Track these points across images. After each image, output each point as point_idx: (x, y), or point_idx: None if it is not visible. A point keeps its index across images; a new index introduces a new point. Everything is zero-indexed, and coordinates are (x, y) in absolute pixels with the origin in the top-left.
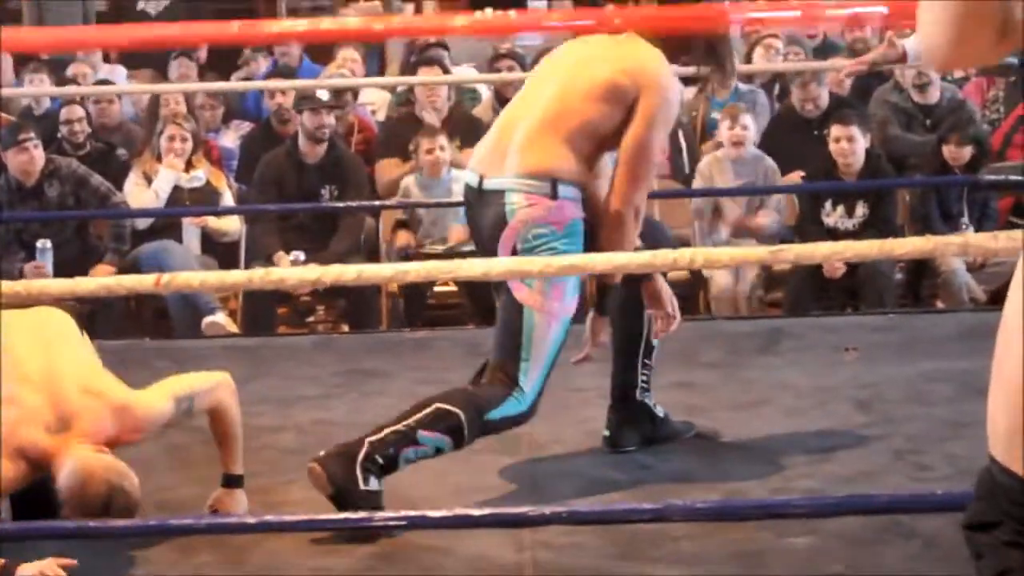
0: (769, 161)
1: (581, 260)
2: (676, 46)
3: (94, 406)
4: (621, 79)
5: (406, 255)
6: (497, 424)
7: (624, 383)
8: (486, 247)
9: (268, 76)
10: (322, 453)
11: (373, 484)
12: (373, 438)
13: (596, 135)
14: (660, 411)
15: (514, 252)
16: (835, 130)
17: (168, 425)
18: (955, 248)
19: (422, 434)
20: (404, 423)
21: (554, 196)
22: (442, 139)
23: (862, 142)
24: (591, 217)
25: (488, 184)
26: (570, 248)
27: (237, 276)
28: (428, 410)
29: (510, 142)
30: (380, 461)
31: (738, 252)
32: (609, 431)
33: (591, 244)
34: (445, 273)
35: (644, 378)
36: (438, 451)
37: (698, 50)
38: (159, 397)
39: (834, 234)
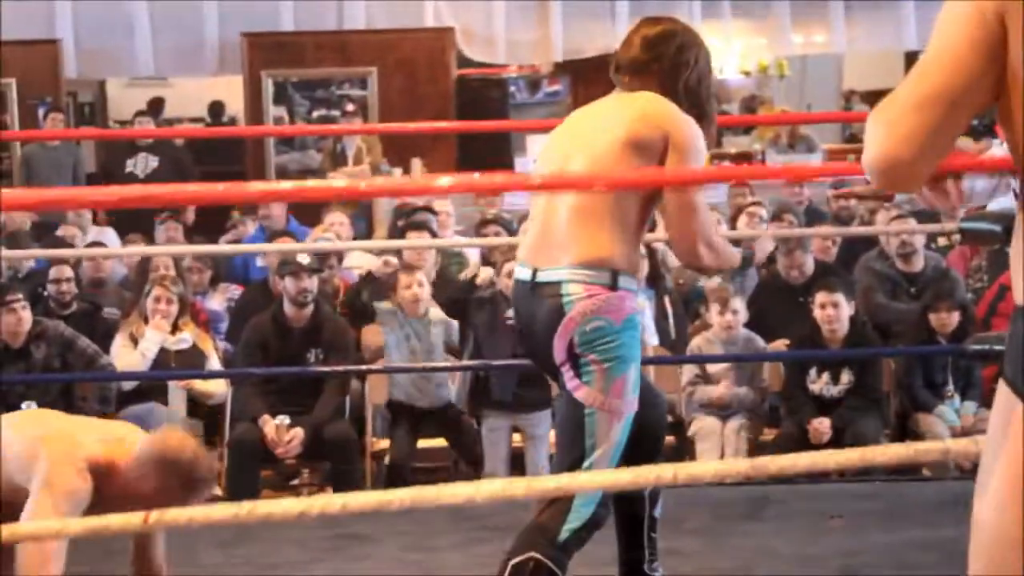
0: (760, 342)
1: (565, 481)
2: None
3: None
4: (644, 130)
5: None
6: (575, 538)
7: (632, 559)
8: (539, 341)
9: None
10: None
11: None
12: None
13: (640, 196)
14: None
15: (571, 345)
16: (820, 296)
17: None
18: (936, 454)
19: None
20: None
21: (614, 287)
22: (420, 276)
23: (847, 309)
24: None
25: (542, 276)
26: (628, 342)
27: (224, 511)
28: (507, 572)
29: (557, 229)
30: None
31: (719, 467)
32: None
33: None
34: (430, 499)
35: (651, 551)
36: None
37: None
38: None
39: (820, 401)
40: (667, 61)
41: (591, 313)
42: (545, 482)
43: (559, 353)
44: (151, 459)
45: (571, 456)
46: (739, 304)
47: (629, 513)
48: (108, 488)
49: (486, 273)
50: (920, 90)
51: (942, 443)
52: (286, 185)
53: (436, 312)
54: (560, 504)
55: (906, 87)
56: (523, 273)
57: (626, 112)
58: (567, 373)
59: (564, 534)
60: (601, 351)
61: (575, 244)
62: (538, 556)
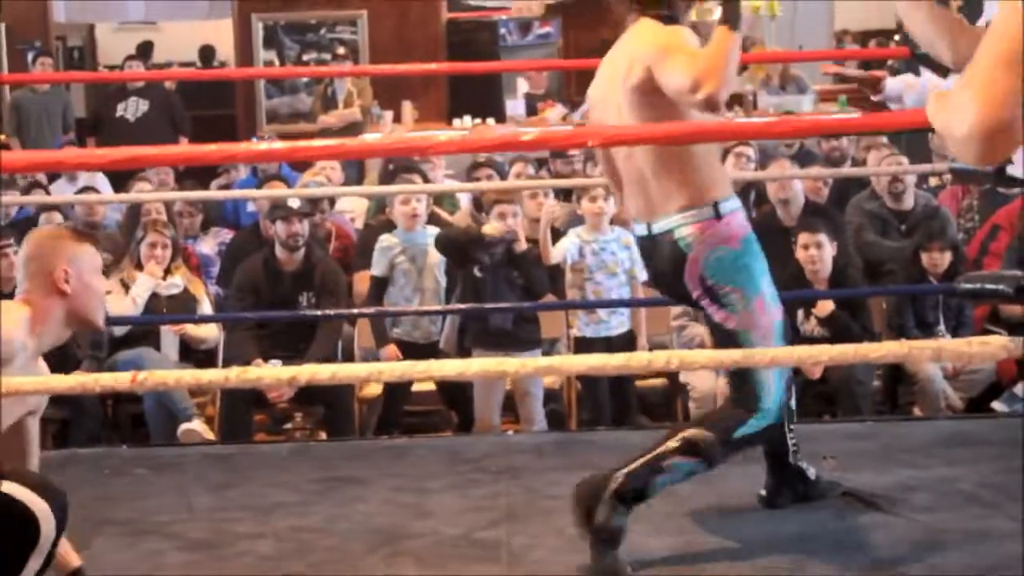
0: None
1: (557, 362)
2: None
3: None
4: (635, 81)
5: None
6: (747, 440)
7: (776, 452)
8: (674, 285)
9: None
10: (577, 487)
11: (619, 522)
12: (621, 471)
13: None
14: (811, 473)
15: (702, 280)
16: (803, 238)
17: None
18: (929, 353)
19: (674, 461)
20: (650, 455)
21: (719, 216)
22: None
23: (830, 249)
24: None
25: (656, 228)
26: (752, 261)
27: (213, 375)
28: (676, 439)
29: (648, 182)
30: (632, 493)
31: (713, 354)
32: (766, 491)
33: None
34: (420, 373)
35: (793, 442)
36: (690, 474)
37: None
38: None
39: (810, 343)
40: None
41: (709, 247)
42: (536, 362)
43: (695, 291)
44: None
45: (741, 382)
46: None
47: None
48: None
49: (498, 227)
50: (1005, 48)
51: (935, 342)
52: (277, 145)
53: (435, 229)
54: (747, 411)
55: (987, 50)
56: (640, 229)
57: (621, 65)
58: (710, 308)
59: (741, 432)
60: (731, 278)
61: (672, 191)
62: (712, 438)
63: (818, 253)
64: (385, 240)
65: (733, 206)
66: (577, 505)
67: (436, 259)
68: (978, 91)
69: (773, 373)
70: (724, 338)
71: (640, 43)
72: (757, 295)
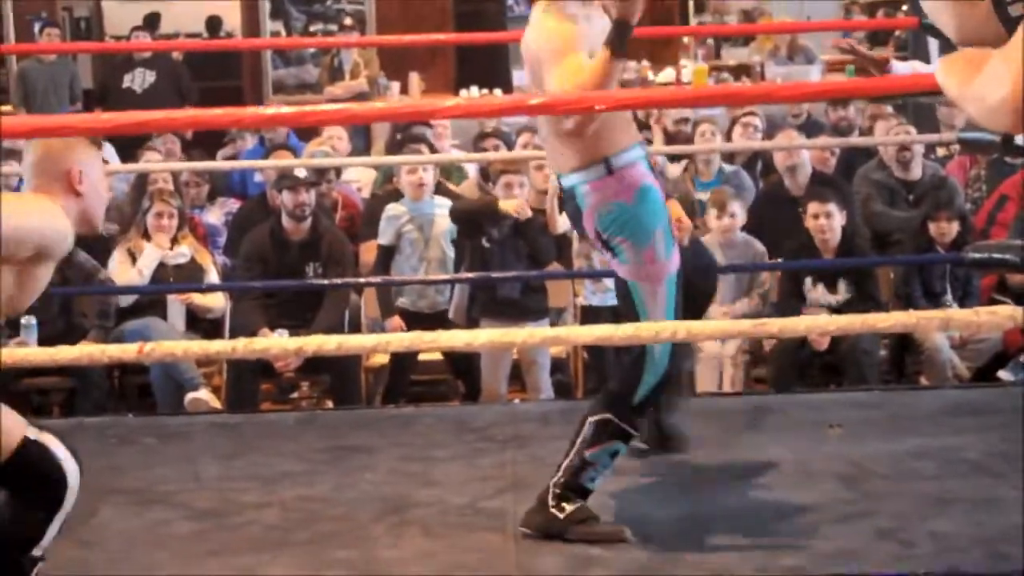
0: (758, 245)
1: (564, 332)
2: None
3: None
4: (533, 64)
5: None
6: (647, 400)
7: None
8: (583, 236)
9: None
10: (523, 517)
11: (571, 506)
12: (554, 480)
13: None
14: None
15: (598, 235)
16: (812, 207)
17: None
18: (937, 323)
19: (591, 453)
20: (572, 453)
21: (610, 171)
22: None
23: (839, 218)
24: None
25: (564, 183)
26: (645, 213)
27: (220, 345)
28: (584, 429)
29: (552, 138)
30: (570, 495)
31: (721, 325)
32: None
33: None
34: (428, 343)
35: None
36: (614, 454)
37: None
38: None
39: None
40: None
41: (602, 202)
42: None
43: (596, 243)
44: None
45: None
46: (737, 207)
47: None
48: None
49: (514, 204)
50: None
51: (943, 312)
52: (284, 110)
53: (442, 200)
54: (636, 365)
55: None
56: (553, 179)
57: (531, 53)
58: (607, 256)
59: (639, 395)
60: (622, 230)
61: (569, 150)
62: (613, 418)
63: (827, 223)
64: (392, 209)
65: (628, 159)
66: (533, 529)
67: (443, 229)
68: (1016, 61)
69: (664, 318)
70: (619, 287)
71: (538, 40)
72: (647, 245)
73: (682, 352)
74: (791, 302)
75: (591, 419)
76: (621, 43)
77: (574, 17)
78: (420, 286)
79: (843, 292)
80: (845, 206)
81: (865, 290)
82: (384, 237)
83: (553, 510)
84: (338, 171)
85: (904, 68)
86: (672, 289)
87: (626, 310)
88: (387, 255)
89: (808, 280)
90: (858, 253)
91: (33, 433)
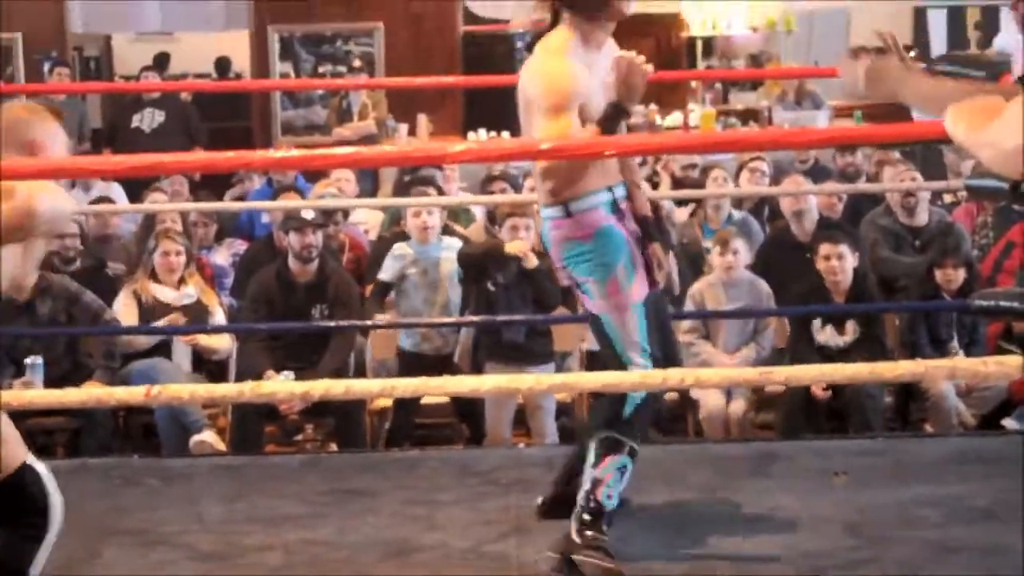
0: (763, 284)
1: (571, 379)
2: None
3: None
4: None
5: None
6: (637, 414)
7: (571, 466)
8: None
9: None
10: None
11: (591, 533)
12: (576, 509)
13: None
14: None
15: (564, 271)
16: (824, 248)
17: None
18: (944, 372)
19: (600, 470)
20: (582, 477)
21: (568, 215)
22: (433, 211)
23: (851, 260)
24: None
25: (542, 214)
26: (604, 249)
27: (226, 389)
28: (587, 452)
29: (535, 173)
30: (590, 520)
31: (728, 372)
32: (541, 502)
33: None
34: (434, 388)
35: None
36: (623, 468)
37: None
38: None
39: (824, 352)
40: None
41: (562, 242)
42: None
43: (564, 279)
44: None
45: (610, 358)
46: (740, 245)
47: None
48: None
49: (520, 246)
50: None
51: (950, 361)
52: (293, 153)
53: (449, 241)
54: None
55: None
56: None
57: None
58: (578, 294)
59: (628, 409)
60: (584, 267)
61: (541, 187)
62: (611, 433)
63: (839, 264)
64: (399, 249)
65: (589, 203)
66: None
67: (448, 271)
68: None
69: (638, 348)
70: (594, 325)
71: (534, 84)
72: (608, 279)
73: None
74: (800, 347)
75: (591, 441)
76: (611, 126)
77: (573, 66)
78: (424, 328)
79: (851, 333)
80: (856, 248)
81: (872, 332)
82: (385, 273)
83: (575, 535)
84: (346, 213)
85: None
86: (641, 315)
87: (601, 342)
88: (383, 291)
89: (817, 322)
90: (868, 296)
91: (31, 459)
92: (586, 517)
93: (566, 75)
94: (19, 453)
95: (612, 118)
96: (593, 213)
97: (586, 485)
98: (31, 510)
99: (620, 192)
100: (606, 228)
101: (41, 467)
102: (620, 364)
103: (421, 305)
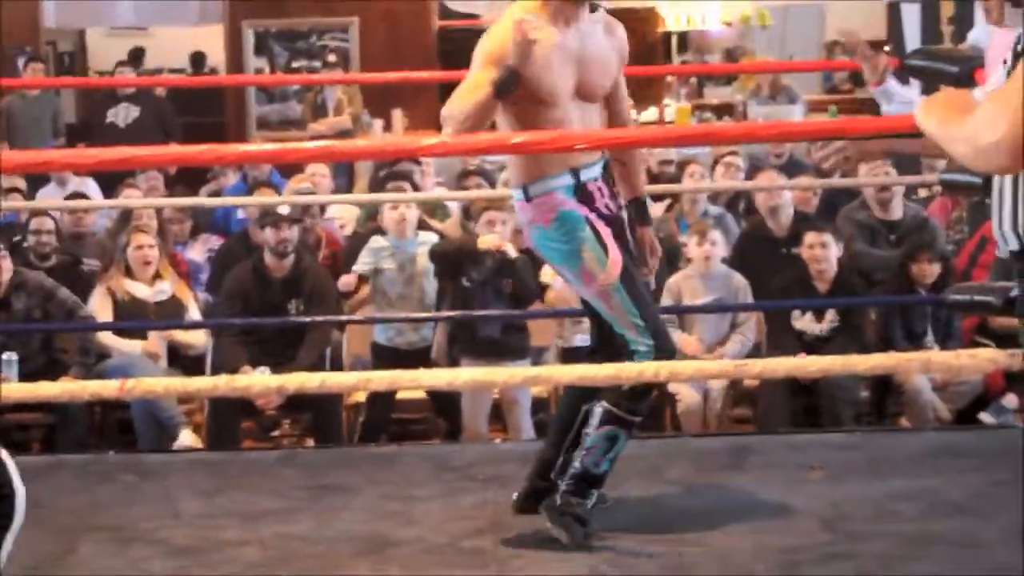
0: (739, 278)
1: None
2: None
3: None
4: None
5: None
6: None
7: (546, 460)
8: None
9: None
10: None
11: (575, 500)
12: (558, 476)
13: (512, 114)
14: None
15: (540, 253)
16: (809, 237)
17: None
18: (918, 365)
19: (590, 439)
20: (569, 443)
21: (528, 199)
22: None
23: (835, 250)
24: None
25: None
26: (566, 235)
27: (202, 383)
28: (579, 416)
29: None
30: (572, 484)
31: (703, 365)
32: (517, 496)
33: None
34: (409, 382)
35: (563, 461)
36: (613, 439)
37: None
38: None
39: (804, 342)
40: None
41: (528, 223)
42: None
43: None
44: None
45: (609, 335)
46: (717, 236)
47: (564, 418)
48: None
49: (492, 240)
50: None
51: (924, 354)
52: (267, 147)
53: (425, 235)
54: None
55: (1021, 73)
56: None
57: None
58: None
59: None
60: (554, 255)
61: (511, 166)
62: (607, 405)
63: (823, 252)
64: (375, 241)
65: (546, 187)
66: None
67: (424, 267)
68: (1010, 105)
69: (630, 322)
70: (584, 304)
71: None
72: (578, 268)
73: (668, 347)
74: (779, 332)
75: (584, 407)
76: (503, 88)
77: (510, 32)
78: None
79: (829, 322)
80: (840, 238)
81: (852, 322)
82: (360, 265)
83: (558, 496)
84: (322, 208)
85: (897, 88)
86: (622, 292)
87: (601, 322)
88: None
89: (797, 311)
90: (851, 287)
91: None
92: (569, 481)
93: (495, 37)
94: None
95: (503, 80)
96: (550, 197)
97: (580, 450)
98: None
99: (590, 174)
100: (563, 213)
101: (6, 456)
102: (619, 344)
103: (395, 299)
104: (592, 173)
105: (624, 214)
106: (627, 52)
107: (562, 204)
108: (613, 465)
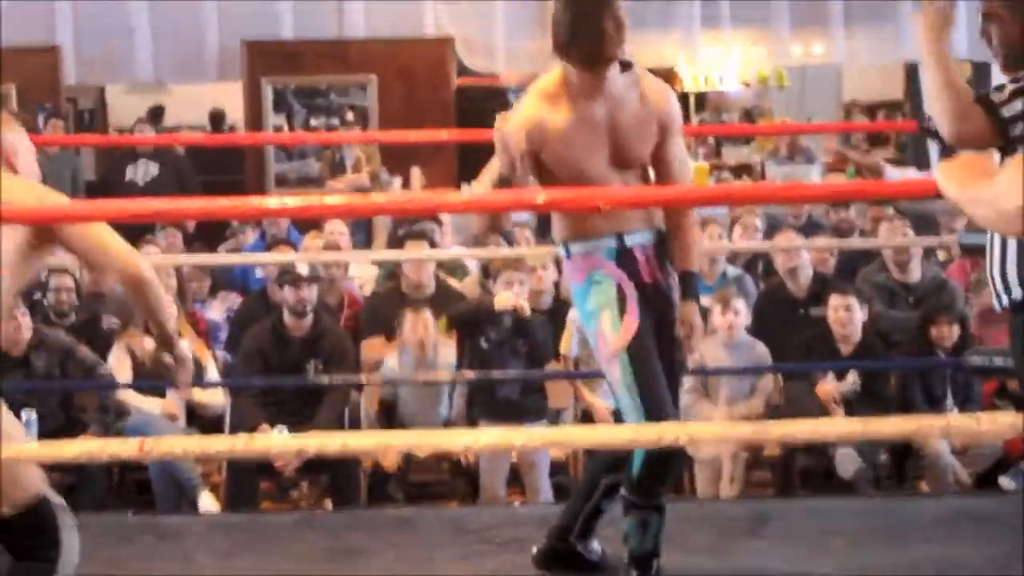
0: (761, 347)
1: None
2: None
3: None
4: None
5: None
6: (649, 471)
7: (564, 525)
8: None
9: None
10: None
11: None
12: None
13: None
14: (595, 554)
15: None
16: (834, 299)
17: None
18: (939, 430)
19: (624, 528)
20: (588, 514)
21: (568, 256)
22: (427, 314)
23: (859, 312)
24: None
25: None
26: (593, 296)
27: (220, 444)
28: (600, 489)
29: None
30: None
31: (722, 429)
32: (537, 551)
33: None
34: (430, 445)
35: (581, 526)
36: (644, 524)
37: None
38: None
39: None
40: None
41: (570, 282)
42: (544, 433)
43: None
44: None
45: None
46: (740, 305)
47: (589, 481)
48: None
49: (508, 299)
50: None
51: (944, 419)
52: (288, 201)
53: (445, 351)
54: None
55: None
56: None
57: None
58: None
59: (636, 469)
60: (580, 313)
61: (555, 223)
62: (626, 494)
63: (847, 316)
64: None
65: (587, 248)
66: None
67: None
68: None
69: (630, 395)
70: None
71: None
72: (595, 327)
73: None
74: (800, 398)
75: (606, 480)
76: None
77: (525, 118)
78: (423, 401)
79: (851, 381)
80: (864, 301)
81: (875, 387)
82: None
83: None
84: (346, 267)
85: (895, 173)
86: (628, 361)
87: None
88: None
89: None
90: (876, 349)
91: (51, 493)
92: (632, 571)
93: (510, 127)
94: (40, 485)
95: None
96: (589, 258)
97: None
98: (42, 546)
99: (637, 239)
100: (597, 274)
101: (61, 504)
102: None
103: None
104: (638, 239)
105: (672, 289)
106: (672, 112)
107: (599, 265)
108: (660, 537)
